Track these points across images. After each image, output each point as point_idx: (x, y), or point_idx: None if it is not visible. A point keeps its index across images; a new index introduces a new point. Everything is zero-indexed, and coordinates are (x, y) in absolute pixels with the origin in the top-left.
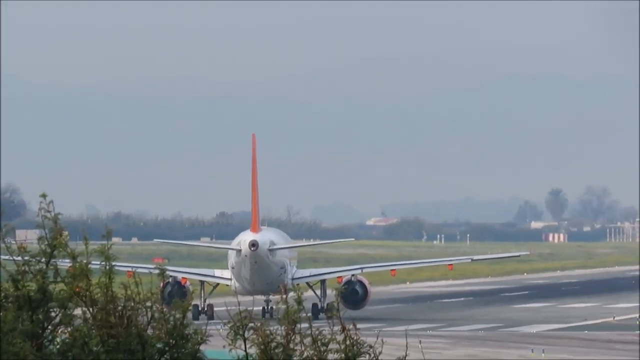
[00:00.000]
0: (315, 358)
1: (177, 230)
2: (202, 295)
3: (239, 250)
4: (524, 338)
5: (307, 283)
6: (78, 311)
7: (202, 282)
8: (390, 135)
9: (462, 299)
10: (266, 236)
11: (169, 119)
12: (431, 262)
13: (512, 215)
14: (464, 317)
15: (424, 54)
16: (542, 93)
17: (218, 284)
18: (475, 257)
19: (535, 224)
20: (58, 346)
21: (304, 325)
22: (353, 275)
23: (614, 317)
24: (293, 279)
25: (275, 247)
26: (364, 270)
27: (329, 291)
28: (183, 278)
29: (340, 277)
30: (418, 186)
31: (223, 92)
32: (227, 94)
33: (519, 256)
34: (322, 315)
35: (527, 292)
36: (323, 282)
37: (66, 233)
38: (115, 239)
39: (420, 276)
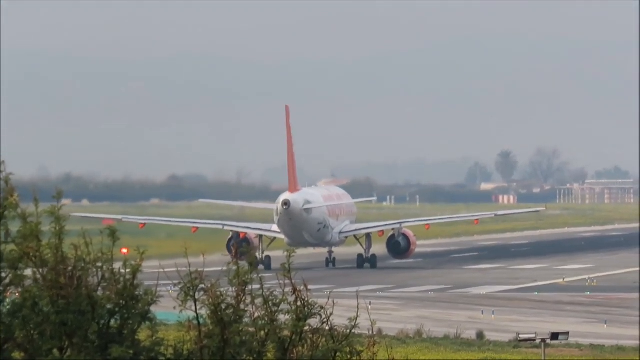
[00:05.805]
0: (266, 319)
1: (127, 192)
2: (261, 247)
3: (277, 209)
4: (474, 299)
5: (355, 236)
6: (28, 272)
7: (260, 236)
8: (340, 95)
9: (412, 260)
10: (301, 196)
11: (120, 80)
12: (460, 217)
13: (462, 177)
14: (414, 278)
15: (376, 12)
16: (493, 53)
17: (275, 238)
18: (499, 212)
19: (485, 186)
20: (8, 307)
21: (256, 286)
22: (394, 229)
23: (563, 279)
24: (340, 232)
25: (310, 205)
26: (403, 225)
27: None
28: (242, 232)
29: (382, 231)
30: (369, 147)
31: (171, 53)
32: (171, 55)
33: (538, 211)
34: (366, 264)
35: (477, 253)
36: (368, 235)
37: (17, 194)
38: (65, 201)
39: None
